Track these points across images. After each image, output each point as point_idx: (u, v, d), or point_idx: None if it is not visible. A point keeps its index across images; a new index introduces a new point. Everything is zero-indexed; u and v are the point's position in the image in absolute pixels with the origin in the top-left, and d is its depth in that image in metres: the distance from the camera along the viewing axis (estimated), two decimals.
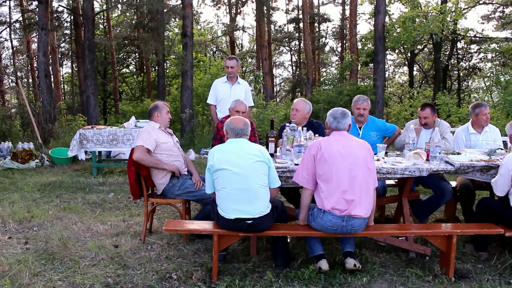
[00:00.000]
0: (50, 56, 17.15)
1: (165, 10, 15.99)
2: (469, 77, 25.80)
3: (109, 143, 8.87)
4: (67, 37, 25.31)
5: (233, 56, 7.42)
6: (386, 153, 5.04)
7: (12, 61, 26.81)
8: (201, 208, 5.51)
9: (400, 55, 26.15)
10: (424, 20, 16.55)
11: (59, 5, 20.48)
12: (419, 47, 23.11)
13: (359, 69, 21.91)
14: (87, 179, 8.51)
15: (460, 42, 23.23)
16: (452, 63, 23.43)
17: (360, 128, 5.79)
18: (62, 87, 28.60)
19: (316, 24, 29.33)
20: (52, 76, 16.31)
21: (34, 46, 22.97)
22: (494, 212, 4.44)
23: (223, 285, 3.91)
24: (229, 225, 4.02)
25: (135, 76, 28.03)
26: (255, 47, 29.43)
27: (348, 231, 3.98)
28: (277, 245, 4.37)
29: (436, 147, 4.64)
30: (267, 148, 4.79)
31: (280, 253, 4.36)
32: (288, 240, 4.64)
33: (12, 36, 25.41)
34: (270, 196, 4.12)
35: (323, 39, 32.19)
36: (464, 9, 18.87)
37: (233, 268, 4.29)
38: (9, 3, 23.58)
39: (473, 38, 22.24)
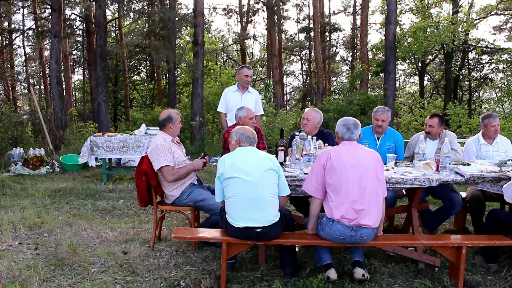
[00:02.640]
0: (62, 63, 17.28)
1: (176, 19, 16.13)
2: (480, 88, 25.61)
3: (120, 150, 8.93)
4: (79, 45, 25.55)
5: (249, 65, 7.45)
6: (395, 163, 5.04)
7: (24, 67, 27.11)
8: (208, 216, 5.52)
9: (411, 65, 26.08)
10: (435, 31, 16.52)
11: (72, 13, 20.66)
12: (430, 57, 23.03)
13: (369, 78, 21.84)
14: (97, 186, 8.56)
15: (472, 52, 23.13)
16: (463, 73, 23.31)
17: (378, 138, 5.74)
18: (74, 94, 28.78)
19: (327, 34, 29.28)
20: (64, 83, 16.42)
21: (46, 53, 23.21)
22: (504, 224, 4.42)
23: None
24: (238, 233, 4.03)
25: (146, 84, 28.12)
26: (265, 55, 29.49)
27: (357, 241, 3.98)
28: (285, 253, 4.37)
29: (446, 157, 4.62)
30: (277, 157, 4.80)
31: (288, 262, 4.35)
32: (297, 249, 4.63)
33: (25, 43, 25.74)
34: (279, 204, 4.13)
35: (334, 48, 32.14)
36: (475, 19, 18.79)
37: (241, 276, 4.30)
38: (23, 10, 23.90)
39: (484, 49, 22.13)
